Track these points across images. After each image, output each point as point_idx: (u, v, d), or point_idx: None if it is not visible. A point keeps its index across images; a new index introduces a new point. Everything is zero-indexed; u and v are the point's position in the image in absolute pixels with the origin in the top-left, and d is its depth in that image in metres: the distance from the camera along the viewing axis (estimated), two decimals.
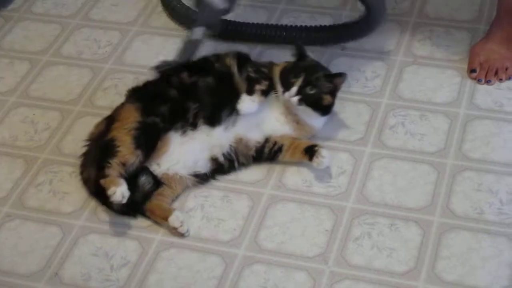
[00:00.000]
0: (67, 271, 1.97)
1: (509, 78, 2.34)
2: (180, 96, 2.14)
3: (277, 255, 1.96)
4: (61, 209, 2.11)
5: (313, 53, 2.47)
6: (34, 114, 2.40)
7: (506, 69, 2.35)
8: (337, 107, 2.26)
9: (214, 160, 2.13)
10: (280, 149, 2.14)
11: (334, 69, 2.39)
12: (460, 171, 2.10)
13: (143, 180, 2.08)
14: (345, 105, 2.30)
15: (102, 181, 2.00)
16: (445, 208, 2.02)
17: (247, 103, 2.11)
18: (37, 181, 2.18)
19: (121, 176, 2.02)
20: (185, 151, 2.11)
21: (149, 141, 2.09)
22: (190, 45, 2.18)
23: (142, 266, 1.96)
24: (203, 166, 2.13)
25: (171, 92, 2.15)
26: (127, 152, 2.05)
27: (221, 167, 2.14)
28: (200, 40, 2.16)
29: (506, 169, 2.09)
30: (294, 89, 2.11)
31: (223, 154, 2.13)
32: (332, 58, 2.46)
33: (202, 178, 2.13)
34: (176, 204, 2.09)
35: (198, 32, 2.17)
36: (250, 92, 2.12)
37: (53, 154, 2.26)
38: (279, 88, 2.14)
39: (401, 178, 2.10)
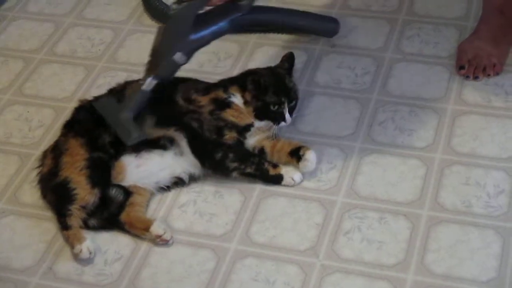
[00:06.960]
0: (61, 265, 1.98)
1: (496, 74, 2.36)
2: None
3: (268, 248, 1.97)
4: None
5: (302, 51, 2.50)
6: (28, 112, 2.42)
7: (494, 65, 2.36)
8: (327, 103, 2.30)
9: (176, 177, 2.11)
10: (262, 151, 2.13)
11: (324, 67, 2.43)
12: (449, 165, 2.12)
13: (114, 192, 2.05)
14: (335, 101, 2.32)
15: (65, 237, 2.00)
16: (433, 201, 2.04)
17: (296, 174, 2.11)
18: (31, 178, 2.19)
19: (83, 221, 2.00)
20: (143, 172, 2.08)
21: (103, 176, 2.05)
22: (142, 95, 2.11)
23: (135, 261, 1.98)
24: (166, 183, 2.10)
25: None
26: (84, 193, 2.01)
27: (183, 182, 2.12)
28: (150, 91, 2.10)
29: (493, 163, 2.11)
30: (288, 116, 2.11)
31: (186, 173, 2.11)
32: (322, 55, 2.48)
33: (165, 190, 2.12)
34: (168, 200, 2.11)
35: (152, 83, 2.10)
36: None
37: None
38: (260, 122, 2.13)
39: (390, 173, 2.12)
